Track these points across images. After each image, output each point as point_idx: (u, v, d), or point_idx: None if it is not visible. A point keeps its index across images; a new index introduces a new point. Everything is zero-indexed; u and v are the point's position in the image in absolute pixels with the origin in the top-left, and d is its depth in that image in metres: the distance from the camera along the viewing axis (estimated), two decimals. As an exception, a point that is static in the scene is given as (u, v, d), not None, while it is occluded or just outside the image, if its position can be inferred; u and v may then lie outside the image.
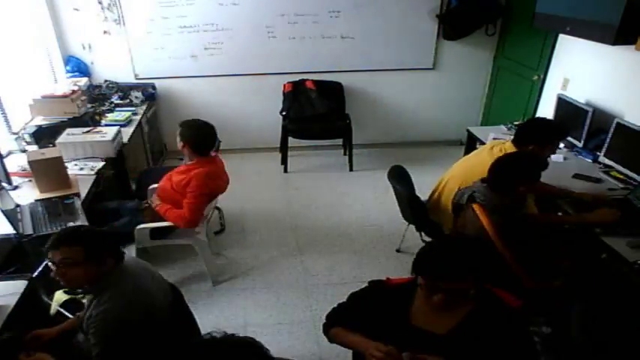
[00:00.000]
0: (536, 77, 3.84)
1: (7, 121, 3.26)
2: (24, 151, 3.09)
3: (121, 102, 4.01)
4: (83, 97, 3.67)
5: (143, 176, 3.39)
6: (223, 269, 3.07)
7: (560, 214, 2.41)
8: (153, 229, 2.67)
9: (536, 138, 2.38)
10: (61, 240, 1.53)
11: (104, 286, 1.57)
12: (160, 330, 1.60)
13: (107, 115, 3.71)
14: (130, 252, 2.63)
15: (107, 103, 3.97)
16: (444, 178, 2.70)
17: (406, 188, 2.67)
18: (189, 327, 1.86)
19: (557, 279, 2.06)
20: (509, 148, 2.46)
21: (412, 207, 2.68)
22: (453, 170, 2.68)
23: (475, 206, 2.06)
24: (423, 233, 2.77)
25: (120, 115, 3.71)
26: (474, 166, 2.52)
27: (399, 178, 2.73)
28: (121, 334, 1.52)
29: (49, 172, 2.57)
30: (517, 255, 1.96)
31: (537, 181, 2.09)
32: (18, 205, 2.47)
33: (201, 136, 2.66)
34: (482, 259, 1.42)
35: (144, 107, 4.02)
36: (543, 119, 2.66)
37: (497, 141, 2.76)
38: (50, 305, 2.06)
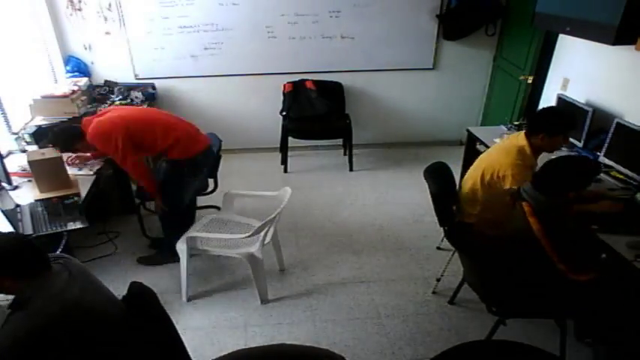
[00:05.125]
0: (522, 77, 3.85)
1: (7, 121, 3.26)
2: (24, 151, 3.09)
3: (121, 102, 4.01)
4: (83, 97, 3.67)
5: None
6: (224, 269, 3.07)
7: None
8: None
9: (545, 127, 2.38)
10: None
11: (20, 303, 1.43)
12: (104, 334, 1.50)
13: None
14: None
15: (107, 103, 3.97)
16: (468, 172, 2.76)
17: (435, 183, 2.69)
18: (164, 331, 1.70)
19: (595, 271, 2.05)
20: (522, 138, 2.47)
21: (435, 203, 2.69)
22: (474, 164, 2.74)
23: (524, 204, 2.03)
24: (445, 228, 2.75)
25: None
26: (485, 159, 2.64)
27: (435, 174, 2.74)
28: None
29: (49, 172, 2.57)
30: (561, 253, 1.96)
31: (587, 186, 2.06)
32: (18, 205, 2.47)
33: (66, 126, 2.89)
34: None
35: (144, 107, 4.02)
36: (555, 108, 2.64)
37: (511, 135, 2.77)
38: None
